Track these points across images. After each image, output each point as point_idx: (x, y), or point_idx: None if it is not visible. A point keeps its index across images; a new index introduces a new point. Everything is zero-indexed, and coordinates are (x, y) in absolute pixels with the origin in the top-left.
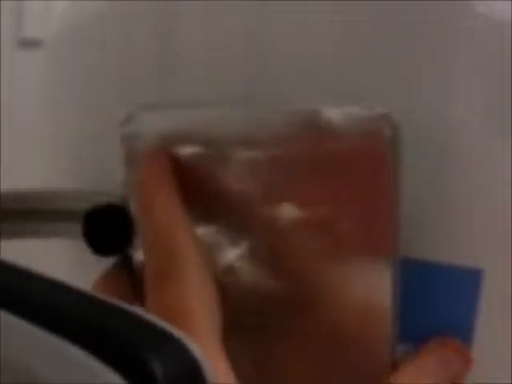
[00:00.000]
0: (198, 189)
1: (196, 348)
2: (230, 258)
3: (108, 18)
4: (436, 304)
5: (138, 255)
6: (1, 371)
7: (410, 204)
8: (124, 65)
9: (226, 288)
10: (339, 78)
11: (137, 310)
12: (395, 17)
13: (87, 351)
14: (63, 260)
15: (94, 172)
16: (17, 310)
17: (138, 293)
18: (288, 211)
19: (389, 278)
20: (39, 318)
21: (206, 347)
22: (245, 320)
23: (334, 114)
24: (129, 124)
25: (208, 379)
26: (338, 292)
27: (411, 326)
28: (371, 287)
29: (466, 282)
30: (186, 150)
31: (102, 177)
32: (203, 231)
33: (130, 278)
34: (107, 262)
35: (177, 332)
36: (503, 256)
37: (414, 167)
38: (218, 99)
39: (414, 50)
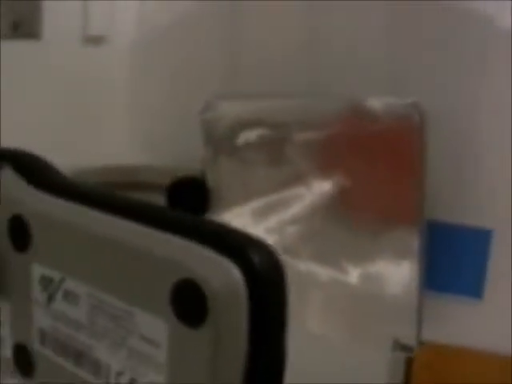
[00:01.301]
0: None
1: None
2: None
3: (178, 25)
4: (451, 259)
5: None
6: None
7: (431, 175)
8: (195, 63)
9: None
10: (381, 70)
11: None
12: (433, 18)
13: (208, 247)
14: None
15: (175, 151)
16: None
17: None
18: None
19: (416, 241)
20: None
21: None
22: None
23: (374, 102)
24: (208, 111)
25: (285, 271)
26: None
27: (434, 277)
28: (401, 250)
29: (477, 240)
30: (255, 133)
31: (182, 155)
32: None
33: None
34: None
35: (264, 240)
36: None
37: (435, 147)
38: (280, 90)
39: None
